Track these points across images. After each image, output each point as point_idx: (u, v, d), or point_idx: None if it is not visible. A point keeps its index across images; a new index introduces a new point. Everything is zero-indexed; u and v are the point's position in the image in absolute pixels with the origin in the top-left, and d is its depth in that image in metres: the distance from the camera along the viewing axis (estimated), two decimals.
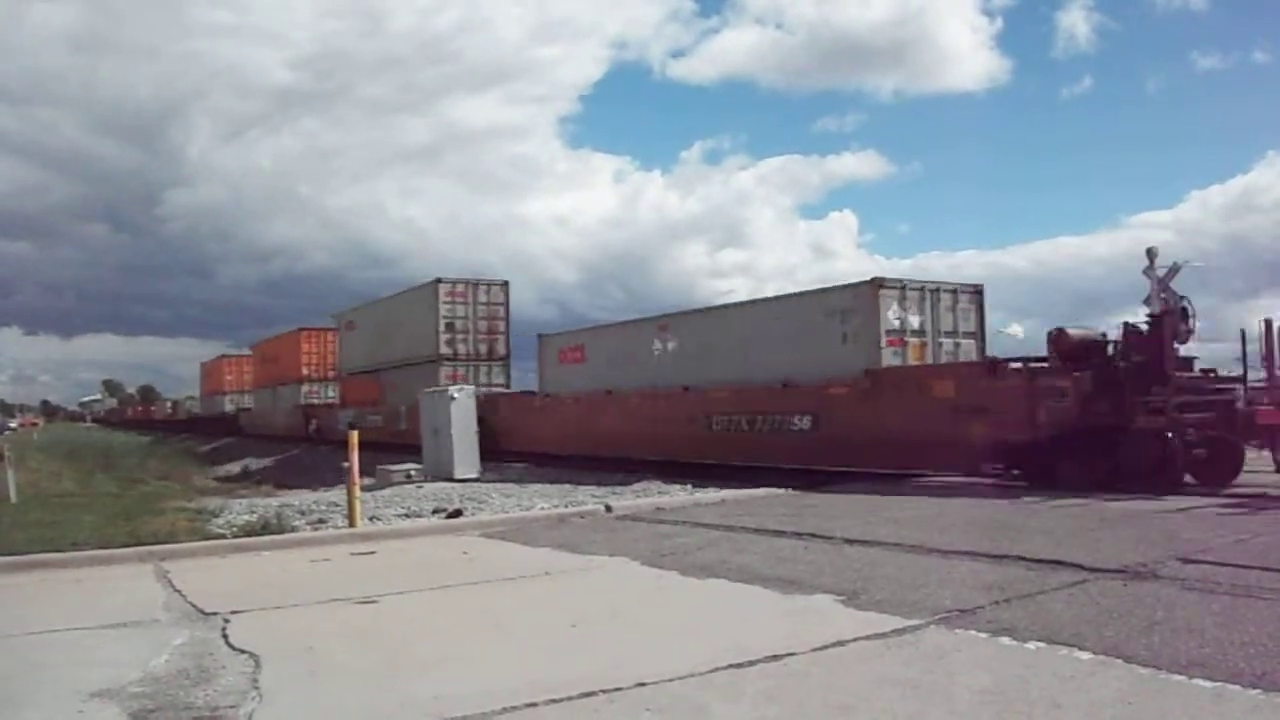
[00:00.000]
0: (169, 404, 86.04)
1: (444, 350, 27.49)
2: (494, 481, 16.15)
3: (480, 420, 22.12)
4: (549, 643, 4.97)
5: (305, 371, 40.28)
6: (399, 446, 24.34)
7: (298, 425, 37.50)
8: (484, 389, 25.37)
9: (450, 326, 27.59)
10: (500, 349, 28.33)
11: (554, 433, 21.72)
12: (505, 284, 29.04)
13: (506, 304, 28.81)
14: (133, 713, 3.92)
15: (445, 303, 27.66)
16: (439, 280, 27.82)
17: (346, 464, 10.30)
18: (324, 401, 38.75)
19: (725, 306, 18.88)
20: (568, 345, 22.72)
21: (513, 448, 22.10)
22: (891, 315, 15.04)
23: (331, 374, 39.37)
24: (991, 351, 15.36)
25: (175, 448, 48.69)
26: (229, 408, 55.51)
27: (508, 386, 27.40)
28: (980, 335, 16.03)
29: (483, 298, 28.23)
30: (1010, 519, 8.83)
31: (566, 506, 11.34)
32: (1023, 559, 6.71)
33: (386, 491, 14.85)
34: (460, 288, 27.94)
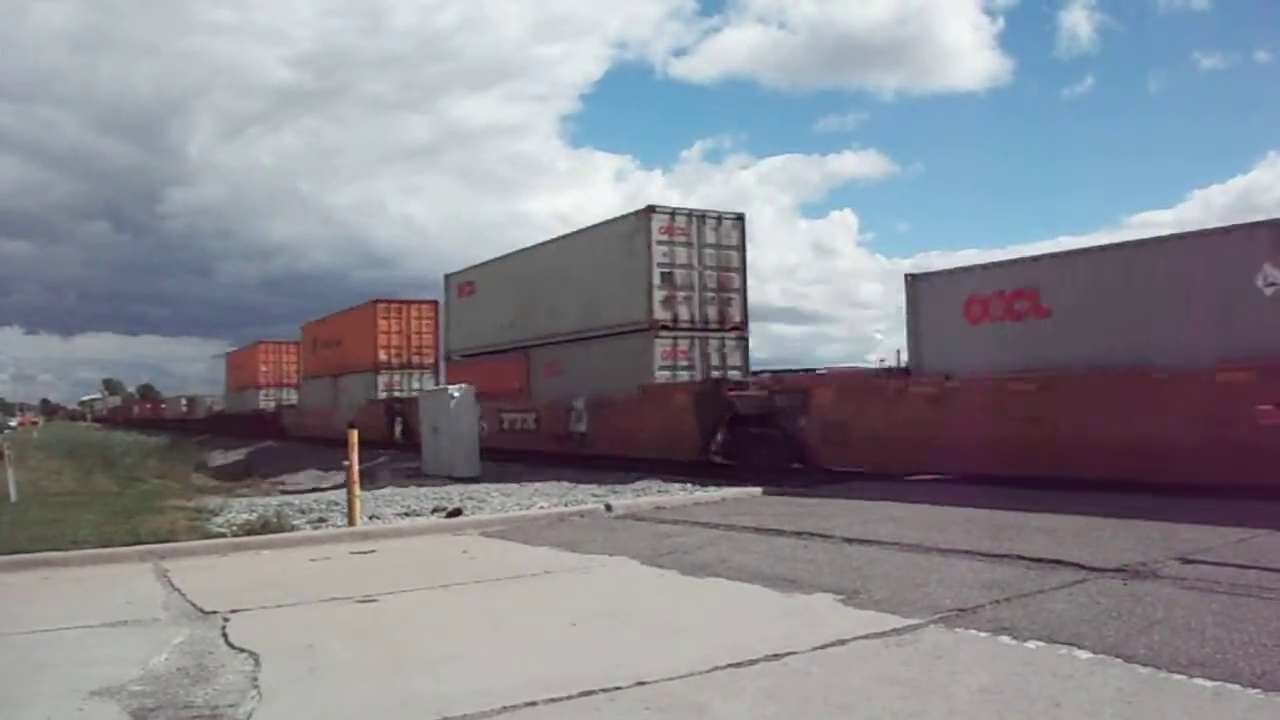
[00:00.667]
0: (183, 400, 75.30)
1: (659, 315, 17.87)
2: (494, 480, 16.14)
3: (764, 419, 15.32)
4: (549, 642, 4.97)
5: (383, 357, 31.12)
6: (573, 460, 17.62)
7: (374, 424, 27.68)
8: (717, 373, 18.17)
9: (668, 279, 17.94)
10: (735, 314, 18.76)
11: (967, 438, 12.16)
12: (740, 218, 19.00)
13: (743, 249, 18.84)
14: (133, 711, 3.92)
15: (661, 242, 17.88)
16: (653, 209, 18.05)
17: (346, 463, 10.30)
18: (415, 394, 29.55)
19: None
20: (991, 289, 13.02)
21: (844, 463, 14.11)
22: None
23: (416, 358, 31.17)
24: None
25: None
26: (265, 404, 46.92)
27: (744, 369, 18.68)
28: None
29: (710, 238, 18.47)
30: (1010, 518, 8.83)
31: (566, 506, 11.34)
32: (1022, 558, 6.71)
33: (386, 490, 14.85)
34: (681, 222, 18.30)
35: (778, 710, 3.71)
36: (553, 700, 3.84)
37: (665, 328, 18.13)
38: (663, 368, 18.07)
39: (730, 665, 4.27)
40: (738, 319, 18.87)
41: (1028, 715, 3.54)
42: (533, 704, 3.80)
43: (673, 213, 18.39)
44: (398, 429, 27.00)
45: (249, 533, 9.64)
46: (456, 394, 18.29)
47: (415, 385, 30.19)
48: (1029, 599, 5.47)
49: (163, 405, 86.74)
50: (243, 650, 4.83)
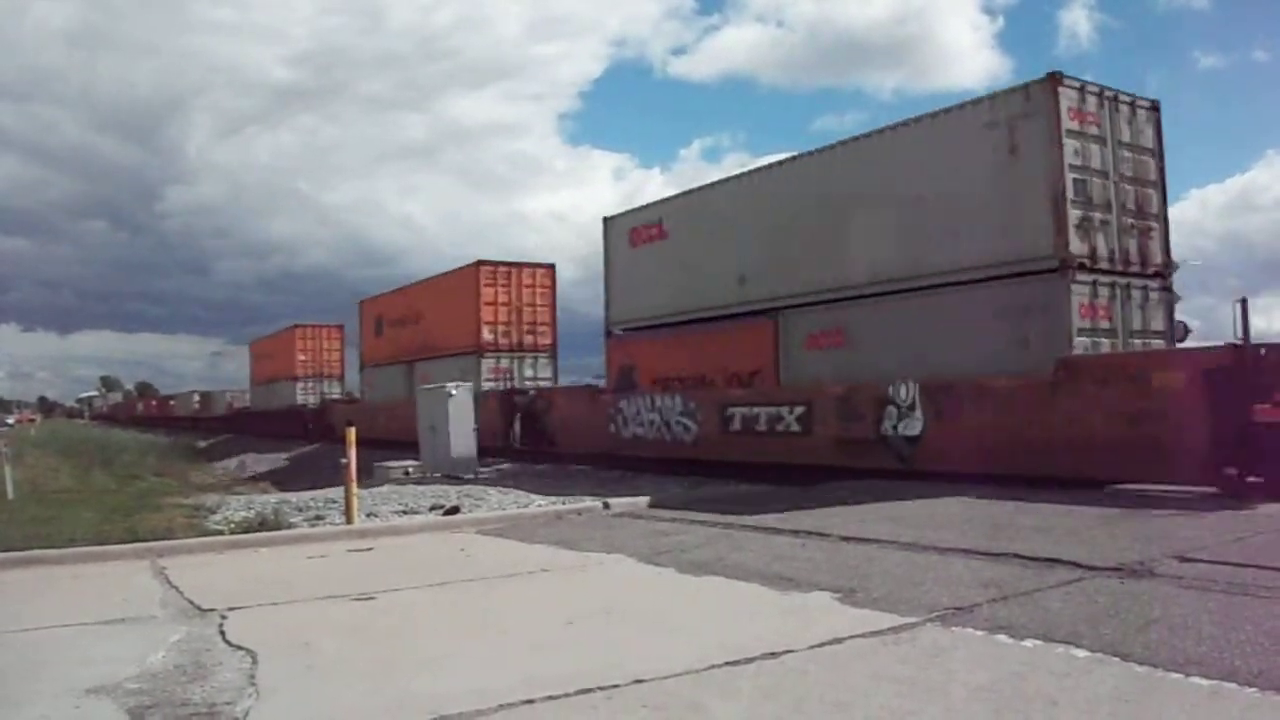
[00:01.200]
0: (195, 396, 67.87)
1: (1076, 247, 11.64)
2: (491, 479, 16.13)
3: None
4: (546, 640, 4.96)
5: (488, 336, 24.17)
6: (897, 476, 12.01)
7: (486, 426, 20.21)
8: (1138, 341, 12.07)
9: (1082, 192, 11.81)
10: (1155, 251, 12.63)
11: None
12: (1155, 108, 12.76)
13: (1160, 154, 12.72)
14: (130, 709, 3.92)
15: (1071, 134, 11.73)
16: (1059, 78, 11.79)
17: (345, 460, 10.30)
18: (536, 384, 23.25)
19: None
20: None
21: None
22: None
23: (529, 337, 24.62)
24: None
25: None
26: (305, 398, 40.47)
27: (1169, 335, 12.47)
28: None
29: (1124, 133, 12.39)
30: (1007, 517, 8.82)
31: (564, 503, 11.34)
32: (1019, 557, 6.71)
33: (384, 488, 14.84)
34: (1091, 104, 12.04)
35: (775, 709, 3.71)
36: (550, 698, 3.83)
37: (1083, 268, 11.61)
38: (1081, 332, 11.60)
39: (727, 664, 4.27)
40: (1159, 259, 12.52)
41: (1025, 714, 3.54)
42: (530, 702, 3.79)
43: (1082, 88, 11.97)
44: (516, 429, 20.70)
45: (246, 530, 9.65)
46: (454, 392, 18.29)
47: (528, 373, 24.20)
48: (1026, 597, 5.47)
49: (172, 402, 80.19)
50: (240, 648, 4.82)
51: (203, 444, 45.99)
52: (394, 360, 29.37)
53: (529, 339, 24.68)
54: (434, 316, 26.85)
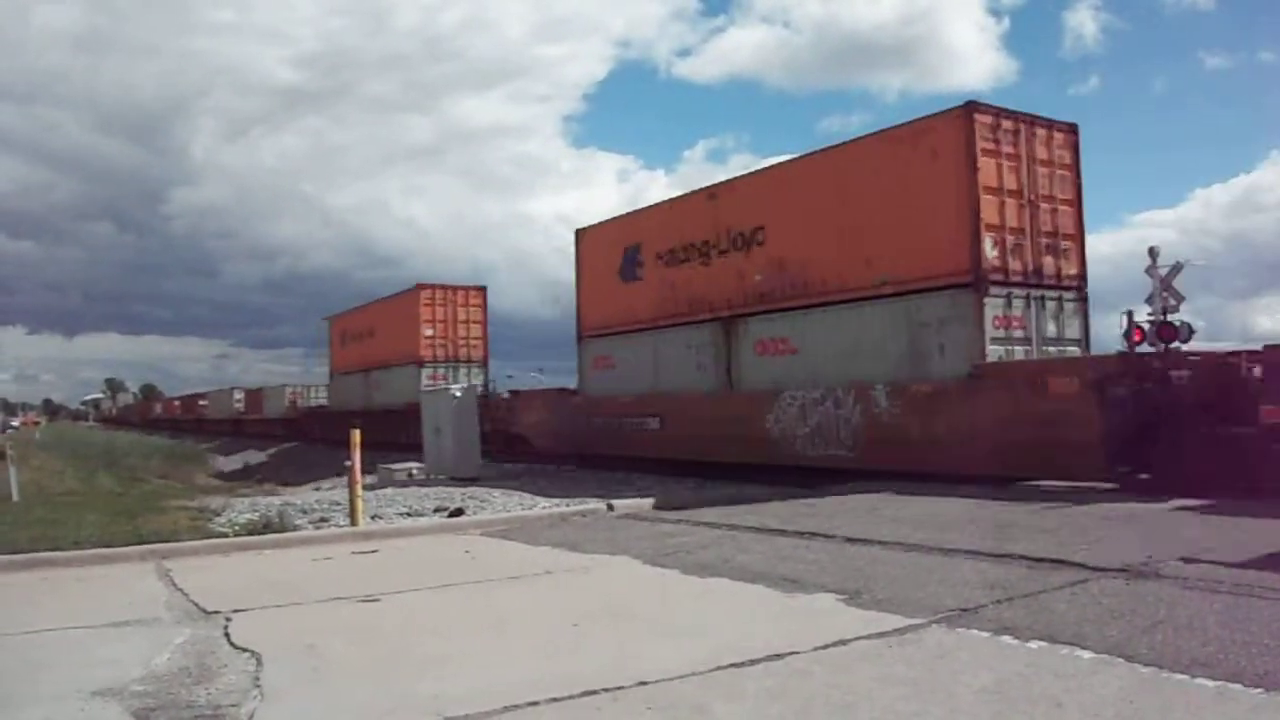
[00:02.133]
0: (237, 395, 55.70)
1: None
2: (496, 480, 16.13)
3: None
4: (551, 641, 4.97)
5: (993, 257, 12.52)
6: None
7: (1031, 427, 11.18)
8: None
9: None
10: None
11: None
12: None
13: None
14: (135, 711, 3.93)
15: None
16: None
17: (348, 463, 10.31)
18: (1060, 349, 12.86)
19: None
20: None
21: None
22: None
23: (1053, 258, 13.02)
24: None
25: None
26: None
27: None
28: None
29: None
30: (1012, 518, 8.81)
31: (568, 505, 11.34)
32: (1024, 558, 6.69)
33: (388, 490, 14.85)
34: None
35: (780, 710, 3.71)
36: (554, 700, 3.83)
37: None
38: None
39: (732, 665, 4.27)
40: None
41: (1030, 715, 3.53)
42: (535, 704, 3.80)
43: None
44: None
45: (251, 532, 9.66)
46: (458, 394, 18.24)
47: (1049, 330, 13.18)
48: (1031, 599, 5.46)
49: (202, 402, 68.17)
50: (245, 650, 4.83)
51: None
52: (682, 318, 17.27)
53: (1049, 263, 13.26)
54: (814, 229, 14.69)
